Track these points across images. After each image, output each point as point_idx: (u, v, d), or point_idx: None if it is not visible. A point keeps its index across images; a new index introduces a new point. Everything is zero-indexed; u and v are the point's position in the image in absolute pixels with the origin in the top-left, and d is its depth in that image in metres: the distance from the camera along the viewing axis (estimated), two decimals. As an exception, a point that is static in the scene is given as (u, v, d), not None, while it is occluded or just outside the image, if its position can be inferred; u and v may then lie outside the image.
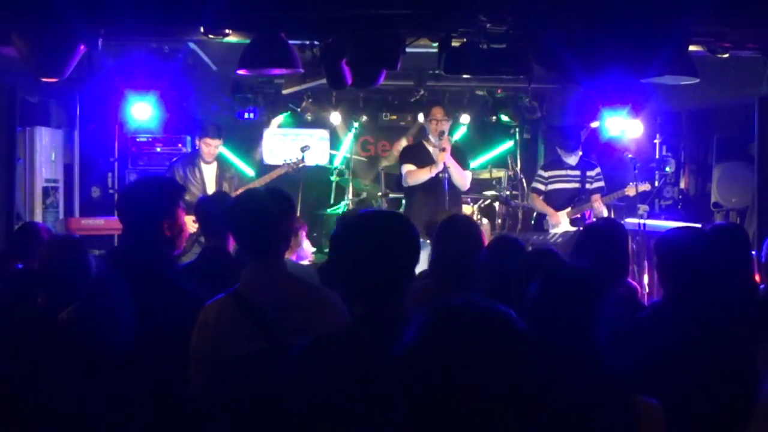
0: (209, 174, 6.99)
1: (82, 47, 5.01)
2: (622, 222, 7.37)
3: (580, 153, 7.59)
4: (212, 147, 6.98)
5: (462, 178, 6.87)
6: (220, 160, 7.20)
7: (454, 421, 1.31)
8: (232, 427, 2.53)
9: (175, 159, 7.65)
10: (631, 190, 7.46)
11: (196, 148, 7.15)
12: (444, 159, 6.67)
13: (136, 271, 2.81)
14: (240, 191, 6.84)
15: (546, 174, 7.61)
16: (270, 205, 2.75)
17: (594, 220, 7.27)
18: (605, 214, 7.37)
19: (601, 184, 7.57)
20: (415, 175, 6.88)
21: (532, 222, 8.05)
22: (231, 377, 2.56)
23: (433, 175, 6.73)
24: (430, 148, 6.93)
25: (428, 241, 5.54)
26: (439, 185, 6.66)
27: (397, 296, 2.14)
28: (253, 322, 2.58)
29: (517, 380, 1.32)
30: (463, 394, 1.30)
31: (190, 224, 6.41)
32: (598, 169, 7.59)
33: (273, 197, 2.78)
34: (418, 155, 6.99)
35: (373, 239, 2.13)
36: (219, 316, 2.63)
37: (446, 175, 6.65)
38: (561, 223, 7.39)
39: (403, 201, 8.46)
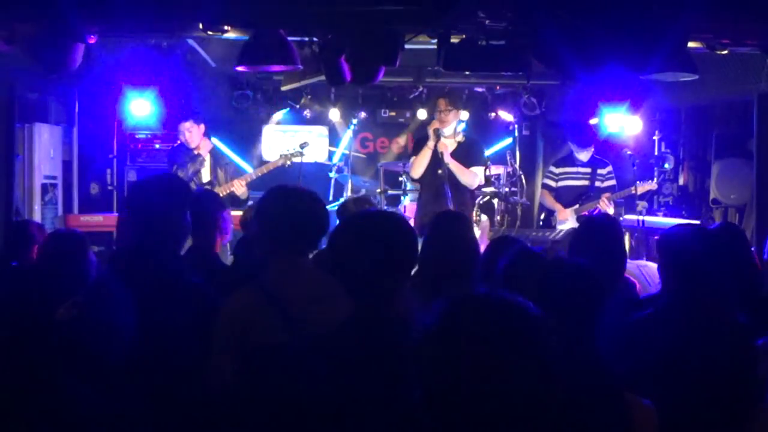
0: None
1: (81, 43, 5.01)
2: (621, 218, 7.40)
3: (593, 149, 7.55)
4: (185, 132, 6.82)
5: (463, 175, 6.60)
6: (214, 150, 7.16)
7: (471, 405, 1.33)
8: (251, 419, 2.54)
9: (168, 152, 7.59)
10: (640, 188, 7.43)
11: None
12: (438, 142, 6.50)
13: (148, 267, 2.81)
14: (239, 181, 6.86)
15: (557, 170, 7.60)
16: (307, 204, 2.82)
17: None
18: (611, 213, 7.32)
19: (613, 182, 7.49)
20: (416, 163, 6.71)
21: (541, 219, 8.03)
22: (254, 368, 2.58)
23: (431, 150, 6.53)
24: (446, 142, 6.80)
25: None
26: (441, 182, 6.57)
27: (391, 295, 2.16)
28: (279, 314, 2.62)
29: (534, 366, 1.35)
30: (481, 378, 1.33)
31: None
32: (609, 168, 7.51)
33: (310, 197, 2.85)
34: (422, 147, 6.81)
35: (369, 240, 2.16)
36: (246, 309, 2.67)
37: (445, 171, 6.56)
38: (568, 220, 7.37)
39: (402, 198, 8.48)
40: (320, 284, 2.73)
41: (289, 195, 2.87)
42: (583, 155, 7.45)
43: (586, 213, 7.32)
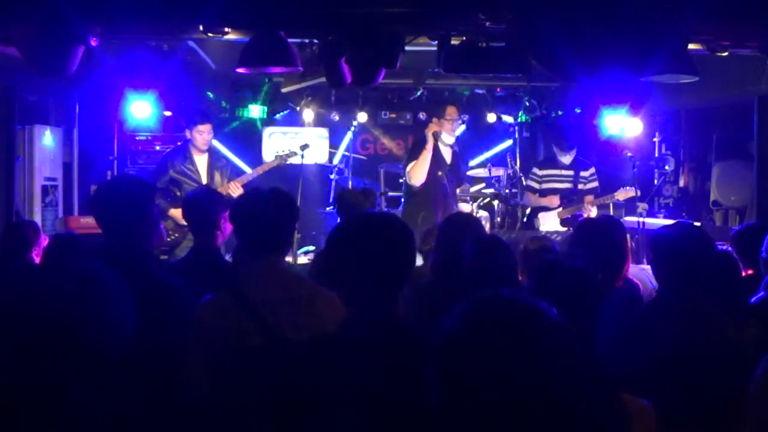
0: (201, 165, 6.96)
1: (82, 45, 5.01)
2: (622, 220, 7.39)
3: (575, 152, 7.57)
4: (205, 133, 6.86)
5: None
6: (211, 151, 7.16)
7: (492, 409, 1.33)
8: (229, 425, 2.53)
9: (166, 153, 7.57)
10: (620, 195, 7.46)
11: (188, 139, 7.05)
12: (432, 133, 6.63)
13: (119, 268, 2.79)
14: (235, 183, 6.86)
15: (540, 172, 7.62)
16: (277, 204, 2.83)
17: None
18: (592, 215, 7.32)
19: (596, 184, 7.54)
20: (418, 170, 6.72)
21: (524, 221, 8.04)
22: (230, 375, 2.56)
23: (430, 152, 6.62)
24: (442, 147, 6.87)
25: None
26: (442, 182, 6.58)
27: (390, 298, 2.14)
28: (252, 318, 2.61)
29: (555, 371, 1.34)
30: (503, 382, 1.32)
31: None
32: (592, 170, 7.56)
33: (279, 197, 2.86)
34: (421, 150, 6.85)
35: (368, 242, 2.14)
36: (217, 314, 2.65)
37: (445, 172, 6.58)
38: (556, 210, 7.38)
39: (403, 200, 8.47)
40: (294, 285, 2.76)
41: (257, 198, 2.90)
42: (567, 158, 7.46)
43: (569, 216, 7.32)
